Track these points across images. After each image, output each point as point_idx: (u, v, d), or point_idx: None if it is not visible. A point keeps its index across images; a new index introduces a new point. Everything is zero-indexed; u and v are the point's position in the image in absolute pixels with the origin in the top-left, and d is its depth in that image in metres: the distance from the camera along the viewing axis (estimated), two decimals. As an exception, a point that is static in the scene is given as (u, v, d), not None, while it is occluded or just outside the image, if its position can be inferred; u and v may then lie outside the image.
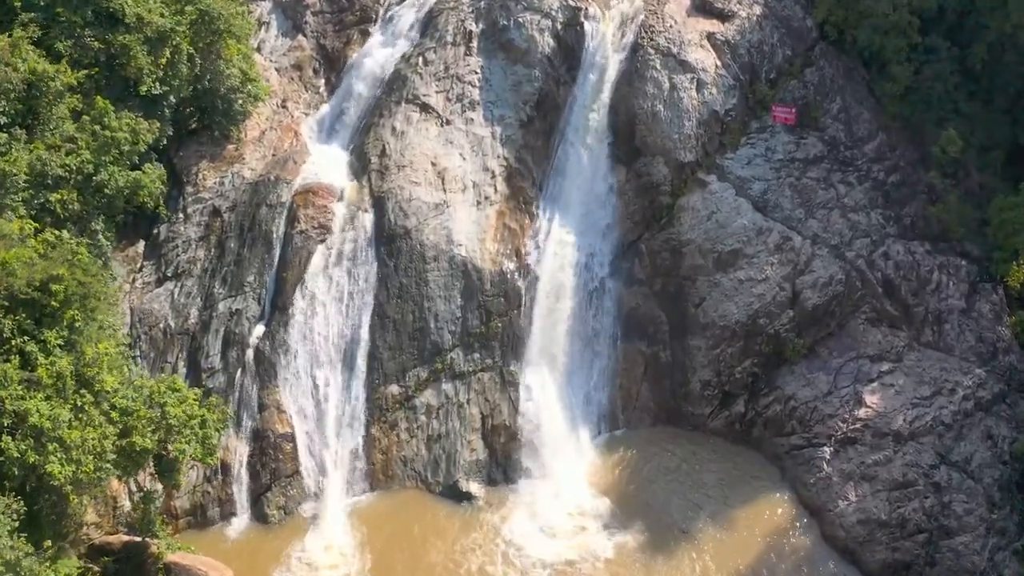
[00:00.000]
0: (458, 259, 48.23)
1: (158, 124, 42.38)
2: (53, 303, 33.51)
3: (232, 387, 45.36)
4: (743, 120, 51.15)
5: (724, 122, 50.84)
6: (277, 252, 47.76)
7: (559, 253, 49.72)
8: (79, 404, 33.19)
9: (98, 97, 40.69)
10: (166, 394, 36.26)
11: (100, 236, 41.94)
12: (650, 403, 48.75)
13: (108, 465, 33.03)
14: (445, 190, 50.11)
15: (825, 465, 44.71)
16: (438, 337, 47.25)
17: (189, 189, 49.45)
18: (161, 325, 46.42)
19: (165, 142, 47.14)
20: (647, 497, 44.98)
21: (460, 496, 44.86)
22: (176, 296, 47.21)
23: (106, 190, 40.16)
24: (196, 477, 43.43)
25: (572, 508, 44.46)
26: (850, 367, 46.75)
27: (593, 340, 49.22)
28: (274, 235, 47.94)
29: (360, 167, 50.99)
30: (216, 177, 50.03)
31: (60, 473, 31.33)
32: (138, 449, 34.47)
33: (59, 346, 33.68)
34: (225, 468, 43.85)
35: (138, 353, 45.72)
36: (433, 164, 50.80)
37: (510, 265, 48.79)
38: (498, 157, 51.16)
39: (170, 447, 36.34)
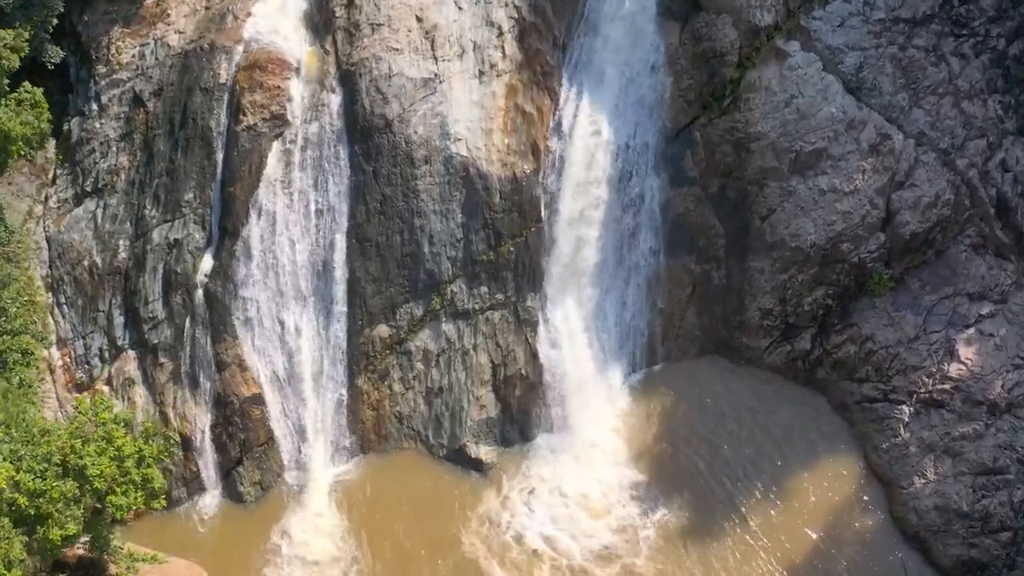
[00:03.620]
0: (456, 160, 37.31)
1: (26, 34, 29.72)
2: None
3: (181, 341, 36.79)
4: (838, -40, 37.52)
5: (816, -34, 37.27)
6: (220, 157, 36.81)
7: (589, 146, 38.54)
8: (-34, 510, 25.23)
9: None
10: (84, 451, 27.90)
11: (-20, 182, 31.23)
12: (696, 331, 40.30)
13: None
14: (436, 58, 37.84)
15: (902, 429, 37.34)
16: (434, 265, 37.73)
17: (100, 68, 37.40)
18: (85, 262, 36.82)
19: (57, 20, 34.59)
20: (688, 458, 38.16)
21: (468, 462, 38.01)
22: (100, 221, 37.10)
23: (-32, 144, 28.94)
24: (153, 452, 36.27)
25: (600, 476, 37.74)
26: (944, 307, 37.73)
27: (630, 254, 39.67)
28: (214, 132, 36.69)
29: (322, 22, 38.27)
30: (134, 48, 37.68)
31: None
32: (59, 542, 27.01)
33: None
34: (186, 442, 36.57)
35: (63, 300, 36.70)
36: (419, 20, 38.05)
37: (525, 167, 37.87)
38: (506, 6, 38.39)
39: (104, 501, 28.84)
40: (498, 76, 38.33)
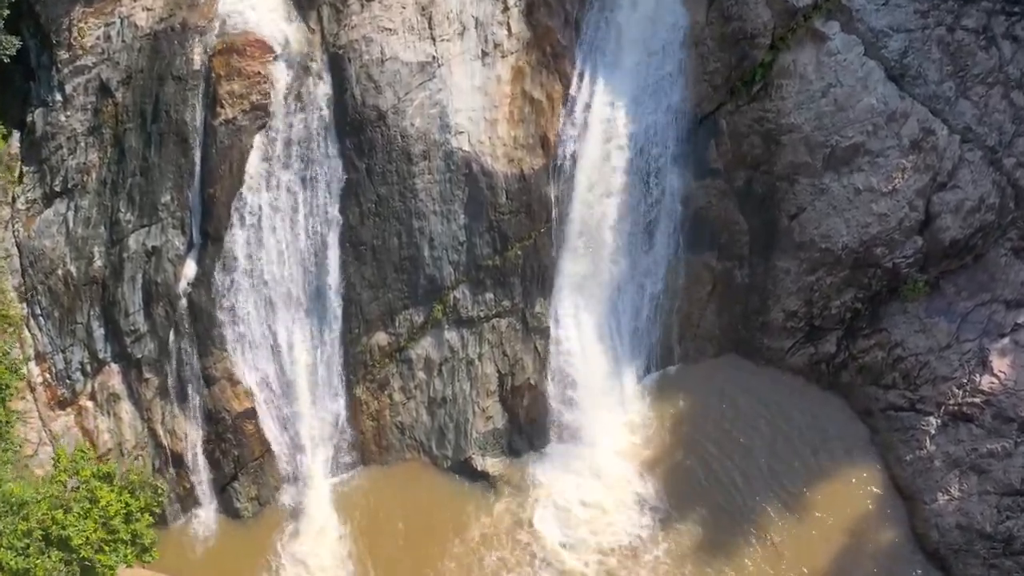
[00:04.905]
0: (458, 156, 34.13)
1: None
2: None
3: (166, 355, 34.48)
4: (889, -73, 33.28)
5: (863, -63, 33.05)
6: (198, 155, 33.52)
7: (605, 136, 35.24)
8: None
9: None
10: (66, 520, 26.12)
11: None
12: (715, 331, 38.02)
13: None
14: (434, 38, 34.06)
15: (928, 441, 35.65)
16: (435, 270, 35.07)
17: (62, 54, 33.44)
18: (59, 271, 34.03)
19: (9, 11, 30.75)
20: (705, 467, 36.56)
21: (474, 474, 36.42)
22: (72, 225, 34.09)
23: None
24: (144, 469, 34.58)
25: (612, 487, 36.21)
26: (979, 314, 35.37)
27: (647, 250, 36.93)
28: (189, 127, 33.27)
29: (307, -3, 34.15)
30: (98, 29, 33.64)
31: None
32: (45, 622, 25.60)
33: None
34: (177, 459, 34.86)
35: (39, 312, 34.12)
36: (415, -6, 33.97)
37: (534, 162, 34.71)
38: (513, -24, 34.23)
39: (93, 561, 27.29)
40: (503, 57, 34.63)
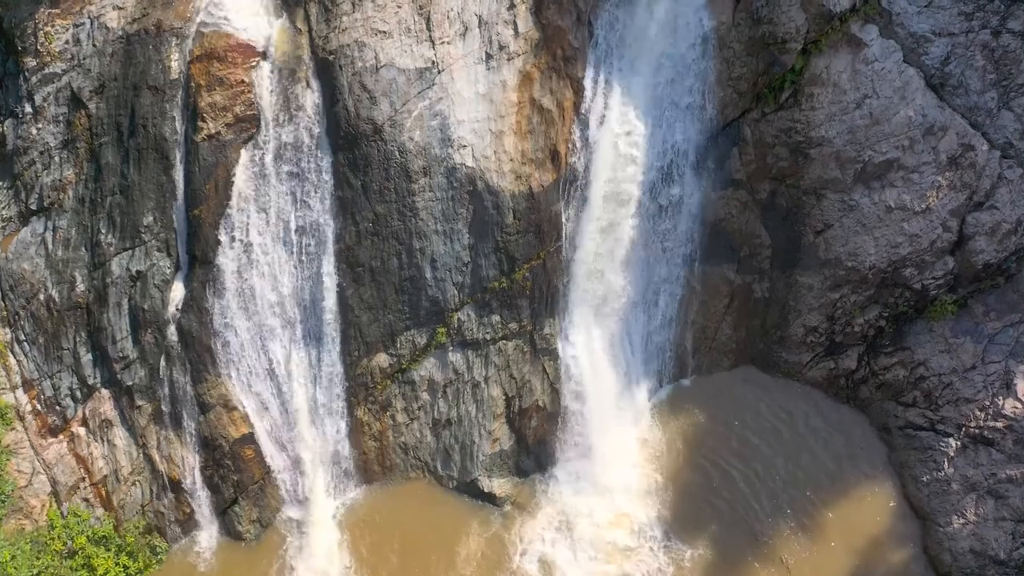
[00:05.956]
0: (461, 172, 31.77)
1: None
2: None
3: (158, 381, 32.93)
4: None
5: (911, -61, 29.85)
6: (180, 172, 31.20)
7: (620, 147, 32.78)
8: None
9: None
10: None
11: None
12: (731, 344, 36.41)
13: None
14: (432, 40, 31.25)
15: (946, 463, 34.60)
16: (438, 292, 33.16)
17: (29, 61, 30.69)
18: (41, 296, 32.11)
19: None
20: (718, 485, 35.54)
21: (480, 495, 35.40)
22: (51, 246, 31.98)
23: None
24: (142, 495, 33.55)
25: (622, 507, 35.26)
26: (1007, 336, 33.77)
27: (662, 263, 34.93)
28: (169, 142, 30.87)
29: (293, -8, 31.15)
30: (66, 32, 30.85)
31: None
32: None
33: None
34: (175, 484, 33.70)
35: (23, 337, 32.37)
36: (412, -8, 30.99)
37: (543, 178, 32.37)
38: (521, -29, 31.17)
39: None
40: (509, 60, 31.82)
